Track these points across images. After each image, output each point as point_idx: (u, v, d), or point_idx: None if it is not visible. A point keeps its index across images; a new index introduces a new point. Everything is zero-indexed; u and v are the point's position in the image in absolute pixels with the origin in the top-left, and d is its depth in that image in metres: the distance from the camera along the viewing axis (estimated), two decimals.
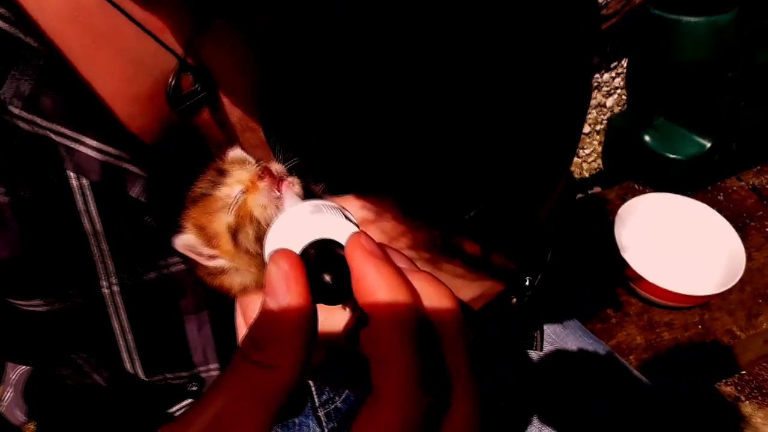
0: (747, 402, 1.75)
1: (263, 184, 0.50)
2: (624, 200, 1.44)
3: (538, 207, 0.68)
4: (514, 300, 0.64)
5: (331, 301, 0.34)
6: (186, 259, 0.57)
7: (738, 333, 1.23)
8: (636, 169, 1.50)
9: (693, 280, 1.21)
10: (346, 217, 0.38)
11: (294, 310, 0.30)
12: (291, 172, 0.53)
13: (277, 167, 0.51)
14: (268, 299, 0.31)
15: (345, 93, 0.56)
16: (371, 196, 0.56)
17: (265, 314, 0.31)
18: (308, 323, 0.31)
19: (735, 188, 1.47)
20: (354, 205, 0.56)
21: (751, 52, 1.32)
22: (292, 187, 0.50)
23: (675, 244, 1.27)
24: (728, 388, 1.76)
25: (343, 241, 0.35)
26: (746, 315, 1.25)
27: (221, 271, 0.52)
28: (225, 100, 0.58)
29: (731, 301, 1.26)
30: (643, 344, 1.20)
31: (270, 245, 0.37)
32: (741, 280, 1.16)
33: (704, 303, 1.23)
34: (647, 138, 1.43)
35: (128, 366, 0.61)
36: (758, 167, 1.51)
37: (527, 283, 0.63)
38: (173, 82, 0.52)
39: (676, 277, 1.20)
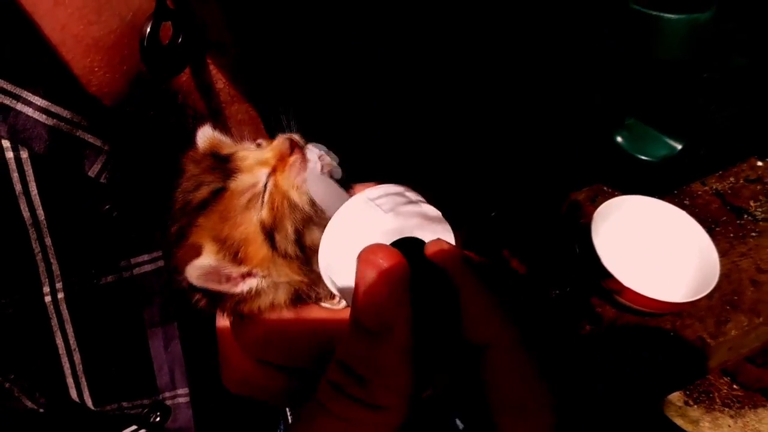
0: (695, 406, 1.77)
1: (295, 159, 0.39)
2: (593, 202, 1.40)
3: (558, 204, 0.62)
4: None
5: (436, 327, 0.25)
6: (165, 260, 0.45)
7: (708, 340, 1.21)
8: (605, 171, 1.46)
9: (668, 286, 1.18)
10: (419, 210, 0.30)
11: (402, 333, 0.21)
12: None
13: (297, 137, 0.40)
14: (362, 316, 0.21)
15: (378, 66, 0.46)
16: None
17: (361, 337, 0.21)
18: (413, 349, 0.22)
19: (699, 192, 1.46)
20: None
21: (727, 55, 1.30)
22: (324, 161, 0.39)
23: (649, 248, 1.24)
24: (676, 393, 1.78)
25: (427, 239, 0.27)
26: (715, 322, 1.23)
27: (254, 294, 0.40)
28: (212, 61, 0.46)
29: (701, 308, 1.24)
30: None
31: (336, 245, 0.28)
32: None
33: (676, 311, 1.21)
34: (619, 139, 1.39)
35: (73, 392, 0.48)
36: (720, 172, 1.51)
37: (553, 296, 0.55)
38: (149, 30, 0.40)
39: (652, 283, 1.17)
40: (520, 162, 0.61)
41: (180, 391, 0.51)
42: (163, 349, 0.49)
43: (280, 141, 0.40)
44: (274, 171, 0.40)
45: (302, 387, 0.42)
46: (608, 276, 1.13)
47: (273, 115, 0.50)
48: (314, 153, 0.40)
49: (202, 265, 0.37)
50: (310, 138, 0.42)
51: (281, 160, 0.40)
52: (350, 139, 0.46)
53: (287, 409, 0.66)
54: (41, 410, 0.51)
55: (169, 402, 0.52)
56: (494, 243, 0.53)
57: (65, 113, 0.38)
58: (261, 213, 0.38)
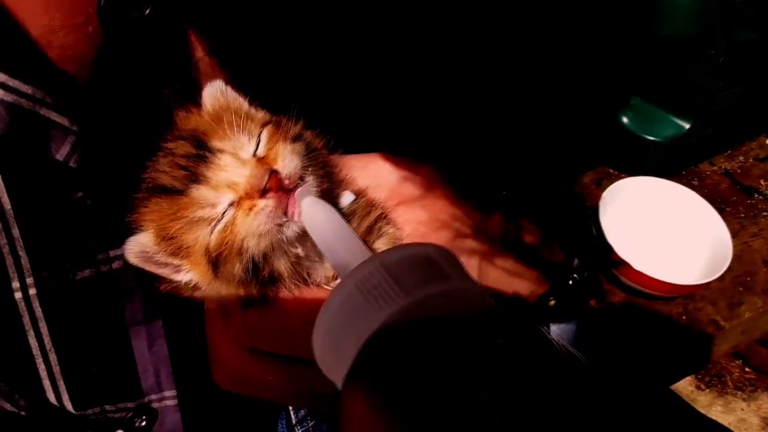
0: (707, 391, 1.74)
1: (266, 204, 0.35)
2: (599, 185, 1.37)
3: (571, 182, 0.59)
4: (552, 302, 0.53)
5: None
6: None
7: (722, 323, 1.17)
8: (610, 153, 1.42)
9: (679, 268, 1.14)
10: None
11: None
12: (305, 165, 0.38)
13: (288, 169, 0.36)
14: None
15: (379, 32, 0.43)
16: (403, 158, 0.42)
17: None
18: None
19: (708, 173, 1.43)
20: (383, 167, 0.42)
21: (734, 31, 1.26)
22: (306, 195, 0.35)
23: (659, 230, 1.21)
24: (688, 378, 1.75)
25: None
26: (728, 304, 1.20)
27: (192, 287, 0.37)
28: (193, 34, 0.42)
29: (712, 290, 1.21)
30: None
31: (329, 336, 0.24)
32: None
33: (688, 294, 1.17)
34: (624, 119, 1.35)
35: (51, 396, 0.45)
36: (729, 151, 1.47)
37: (570, 282, 0.53)
38: None
39: (662, 265, 1.13)
40: (527, 141, 0.58)
41: (167, 393, 0.48)
42: (147, 349, 0.46)
43: (258, 171, 0.36)
44: (239, 204, 0.36)
45: (301, 381, 0.38)
46: (617, 259, 1.10)
47: (263, 91, 0.46)
48: (304, 201, 0.35)
49: (141, 245, 0.35)
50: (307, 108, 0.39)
51: (250, 195, 0.36)
52: (354, 112, 0.43)
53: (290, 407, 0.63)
54: (23, 413, 0.47)
55: (155, 405, 0.49)
56: (506, 221, 0.50)
57: (26, 88, 0.34)
58: (210, 239, 0.35)
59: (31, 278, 0.40)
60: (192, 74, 0.44)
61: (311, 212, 0.34)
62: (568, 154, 0.54)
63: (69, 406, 0.46)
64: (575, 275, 0.54)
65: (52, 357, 0.44)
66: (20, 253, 0.39)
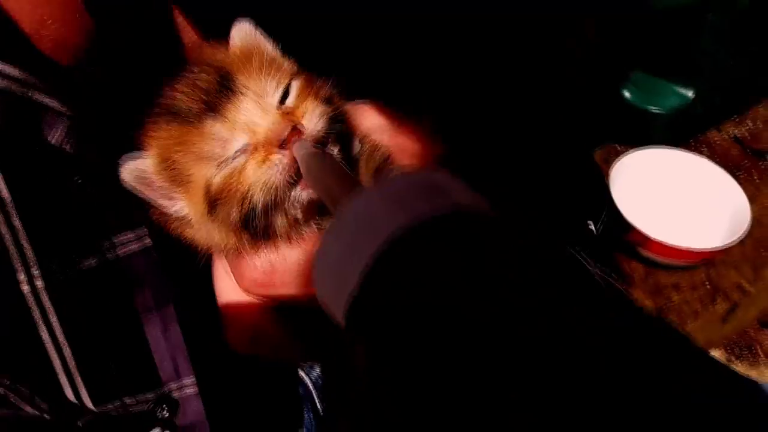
0: (738, 362, 1.70)
1: (281, 158, 0.34)
2: (607, 162, 1.35)
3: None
4: (591, 225, 0.52)
5: None
6: (152, 237, 0.40)
7: (747, 287, 1.15)
8: (614, 128, 1.41)
9: (698, 236, 1.12)
10: None
11: None
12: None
13: (314, 129, 0.35)
14: None
15: None
16: (392, 110, 0.41)
17: None
18: None
19: (717, 140, 1.40)
20: (372, 117, 0.41)
21: None
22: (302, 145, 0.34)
23: (674, 200, 1.19)
24: (717, 352, 1.71)
25: None
26: (752, 267, 1.17)
27: (184, 221, 0.36)
28: (180, 13, 0.42)
29: (734, 255, 1.18)
30: (653, 309, 1.10)
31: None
32: None
33: (709, 260, 1.15)
34: (626, 93, 1.33)
35: (69, 392, 0.44)
36: (736, 117, 1.45)
37: (592, 227, 0.51)
38: None
39: (680, 235, 1.11)
40: (528, 117, 0.57)
41: (186, 381, 0.47)
42: (161, 336, 0.45)
43: (281, 123, 0.35)
44: (253, 151, 0.35)
45: (316, 334, 0.37)
46: (633, 232, 1.08)
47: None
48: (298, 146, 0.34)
49: (139, 166, 0.33)
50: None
51: (266, 145, 0.35)
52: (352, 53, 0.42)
53: (313, 393, 0.61)
54: (46, 416, 0.47)
55: (175, 394, 0.48)
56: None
57: (15, 72, 0.34)
58: (214, 179, 0.34)
59: (37, 270, 0.39)
60: (182, 56, 0.43)
61: (306, 155, 0.33)
62: (573, 133, 0.53)
63: (88, 402, 0.45)
64: (591, 225, 0.53)
65: (66, 351, 0.43)
66: (24, 243, 0.38)
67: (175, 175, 0.35)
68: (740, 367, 1.63)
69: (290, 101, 0.37)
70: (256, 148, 0.35)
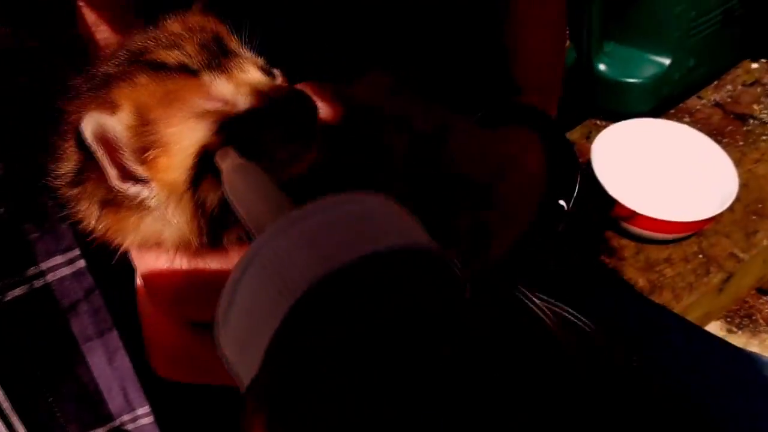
0: (739, 332, 1.68)
1: None
2: (588, 139, 1.32)
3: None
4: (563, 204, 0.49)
5: None
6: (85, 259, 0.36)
7: (741, 255, 1.12)
8: (591, 104, 1.37)
9: (687, 207, 1.09)
10: None
11: None
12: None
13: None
14: None
15: None
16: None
17: None
18: None
19: (698, 107, 1.37)
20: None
21: None
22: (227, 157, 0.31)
23: (659, 171, 1.16)
24: (717, 324, 1.69)
25: None
26: (744, 235, 1.14)
27: (139, 207, 0.31)
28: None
29: (725, 224, 1.15)
30: (647, 287, 1.07)
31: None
32: None
33: (700, 230, 1.12)
34: (601, 66, 1.30)
35: None
36: (715, 82, 1.42)
37: (565, 207, 0.47)
38: None
39: (668, 207, 1.08)
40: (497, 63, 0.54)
41: (140, 411, 0.43)
42: (107, 365, 0.41)
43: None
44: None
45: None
46: (620, 207, 1.04)
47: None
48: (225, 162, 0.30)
49: (104, 123, 0.29)
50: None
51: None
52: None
53: None
54: None
55: (129, 426, 0.43)
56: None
57: None
58: (211, 136, 0.30)
59: None
60: (88, 54, 0.39)
61: (231, 168, 0.28)
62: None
63: None
64: (563, 203, 0.49)
65: None
66: None
67: (148, 140, 0.30)
68: (742, 338, 1.61)
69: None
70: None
